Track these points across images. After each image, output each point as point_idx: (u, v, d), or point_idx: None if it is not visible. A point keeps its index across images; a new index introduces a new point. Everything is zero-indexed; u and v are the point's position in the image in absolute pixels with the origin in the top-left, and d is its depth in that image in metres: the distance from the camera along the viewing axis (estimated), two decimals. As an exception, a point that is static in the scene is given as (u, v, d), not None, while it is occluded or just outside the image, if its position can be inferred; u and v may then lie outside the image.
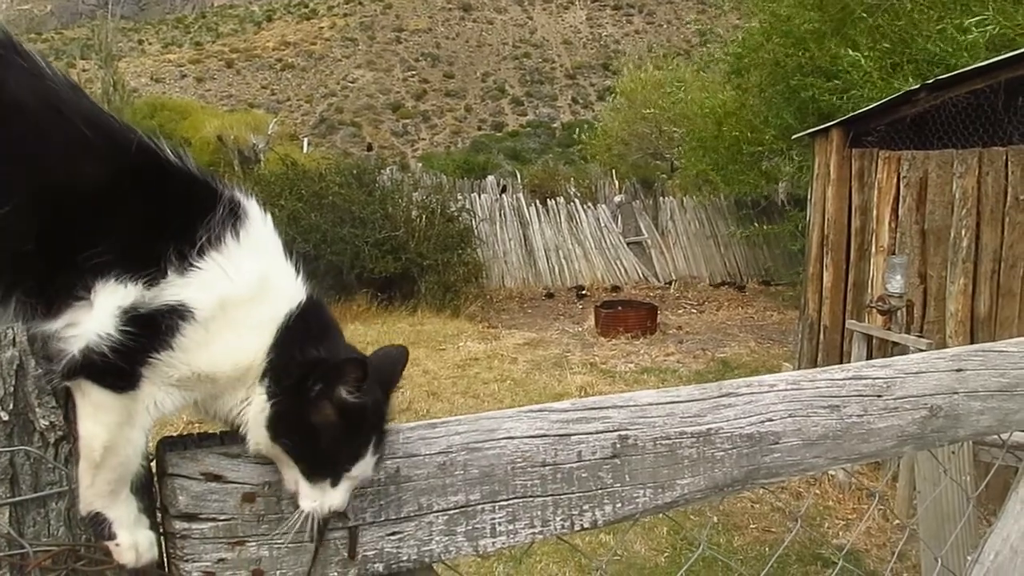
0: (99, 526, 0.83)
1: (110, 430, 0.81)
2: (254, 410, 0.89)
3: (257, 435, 0.89)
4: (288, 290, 0.94)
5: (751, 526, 4.83)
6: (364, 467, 0.91)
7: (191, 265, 0.85)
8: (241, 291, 0.88)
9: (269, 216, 0.95)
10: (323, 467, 0.89)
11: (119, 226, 0.83)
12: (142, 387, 0.83)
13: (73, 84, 0.87)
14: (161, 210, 0.86)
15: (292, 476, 0.89)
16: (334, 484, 0.89)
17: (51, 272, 0.80)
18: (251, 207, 0.92)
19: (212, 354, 0.86)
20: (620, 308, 11.27)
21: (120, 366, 0.80)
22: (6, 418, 0.79)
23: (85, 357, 0.80)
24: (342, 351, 0.94)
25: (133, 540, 0.84)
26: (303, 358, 0.90)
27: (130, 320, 0.81)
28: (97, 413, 0.82)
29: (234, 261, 0.88)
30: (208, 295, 0.85)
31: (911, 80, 7.89)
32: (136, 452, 0.84)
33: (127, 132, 0.88)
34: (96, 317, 0.80)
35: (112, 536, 0.83)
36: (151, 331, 0.82)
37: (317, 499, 0.89)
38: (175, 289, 0.83)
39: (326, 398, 0.88)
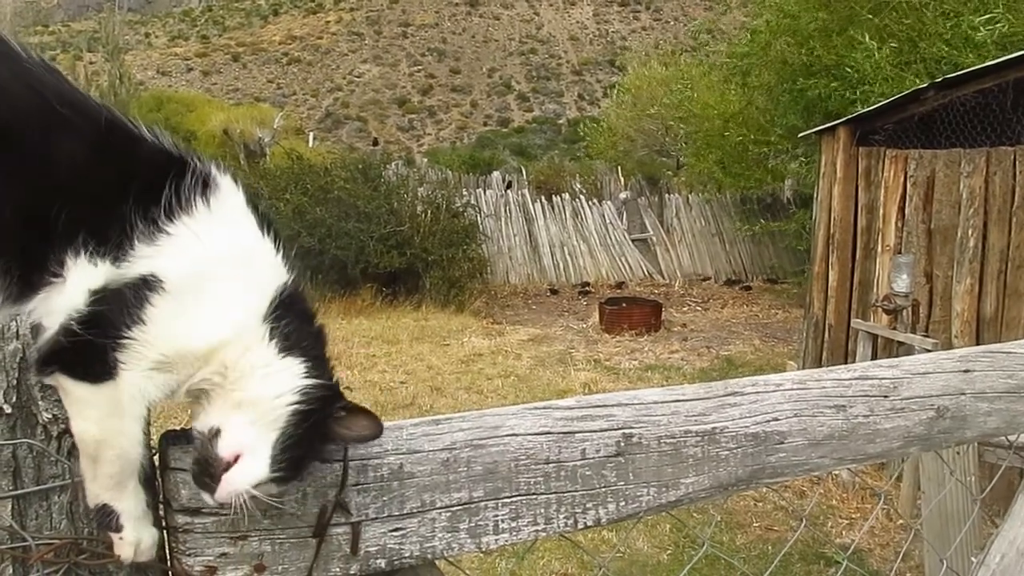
0: (106, 518, 0.82)
1: (98, 424, 0.79)
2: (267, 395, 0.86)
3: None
4: (269, 264, 0.90)
5: (754, 524, 4.83)
6: None
7: (159, 230, 0.82)
8: (213, 256, 0.85)
9: (242, 192, 0.92)
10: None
11: (90, 199, 0.81)
12: (121, 374, 0.79)
13: (49, 66, 0.86)
14: (130, 179, 0.84)
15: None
16: None
17: (26, 249, 0.79)
18: (224, 180, 0.90)
19: (187, 327, 0.82)
20: (624, 305, 11.25)
21: (93, 353, 0.78)
22: (9, 411, 0.79)
23: (56, 344, 0.78)
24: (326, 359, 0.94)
25: (137, 536, 0.83)
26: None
27: (99, 300, 0.79)
28: (81, 409, 0.80)
29: (204, 226, 0.85)
30: (177, 263, 0.82)
31: (920, 79, 7.86)
32: (133, 442, 0.81)
33: (98, 109, 0.86)
34: (67, 298, 0.78)
35: (119, 528, 0.82)
36: (120, 307, 0.79)
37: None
38: (144, 260, 0.81)
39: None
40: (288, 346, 0.88)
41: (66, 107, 0.82)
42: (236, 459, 0.83)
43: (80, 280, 0.78)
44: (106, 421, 0.80)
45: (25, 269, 0.78)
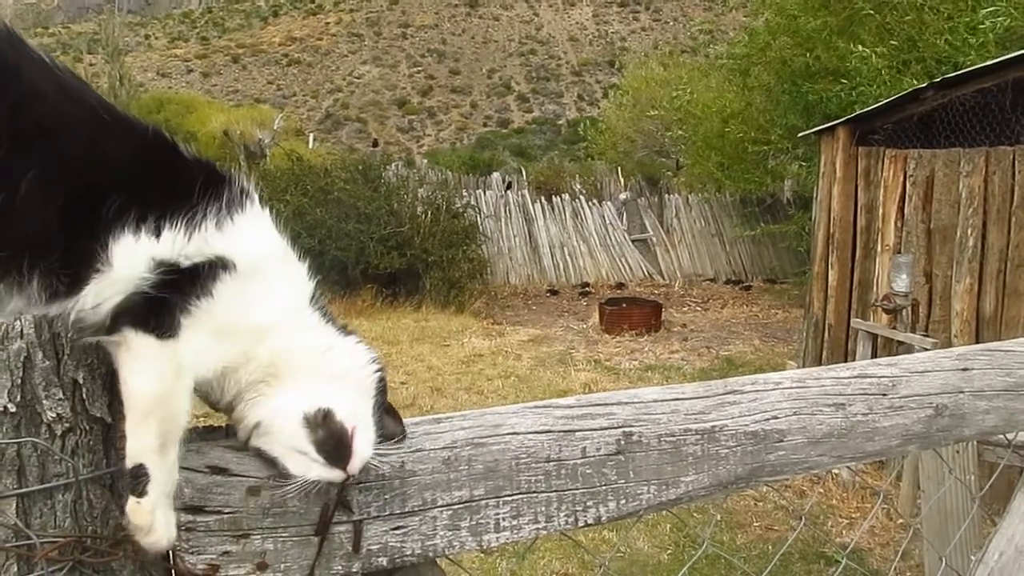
0: (136, 480, 0.81)
1: (159, 379, 0.83)
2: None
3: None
4: (300, 264, 1.00)
5: (754, 524, 4.83)
6: None
7: (228, 220, 0.90)
8: (268, 249, 0.95)
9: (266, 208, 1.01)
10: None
11: (139, 194, 0.87)
12: (183, 336, 0.84)
13: (78, 77, 0.92)
14: (178, 182, 0.91)
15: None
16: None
17: (73, 245, 0.83)
18: (253, 192, 0.98)
19: (246, 306, 0.90)
20: (624, 305, 11.26)
21: (166, 309, 0.84)
22: (13, 409, 0.80)
23: (130, 301, 0.83)
24: None
25: (154, 508, 0.82)
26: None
27: (166, 270, 0.85)
28: (144, 364, 0.83)
29: (256, 223, 0.95)
30: (245, 249, 0.90)
31: (919, 79, 7.86)
32: (184, 406, 0.85)
33: (138, 119, 0.94)
34: (129, 264, 0.84)
35: (143, 493, 0.81)
36: (193, 278, 0.86)
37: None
38: (215, 244, 0.88)
39: None
40: (342, 326, 0.99)
41: (110, 114, 0.90)
42: (354, 431, 0.89)
43: (139, 250, 0.84)
44: (166, 379, 0.83)
45: (74, 262, 0.83)
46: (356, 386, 0.95)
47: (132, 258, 0.84)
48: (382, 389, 0.97)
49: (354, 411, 0.91)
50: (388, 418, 0.98)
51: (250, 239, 0.93)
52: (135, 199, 0.86)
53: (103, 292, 0.83)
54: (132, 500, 0.82)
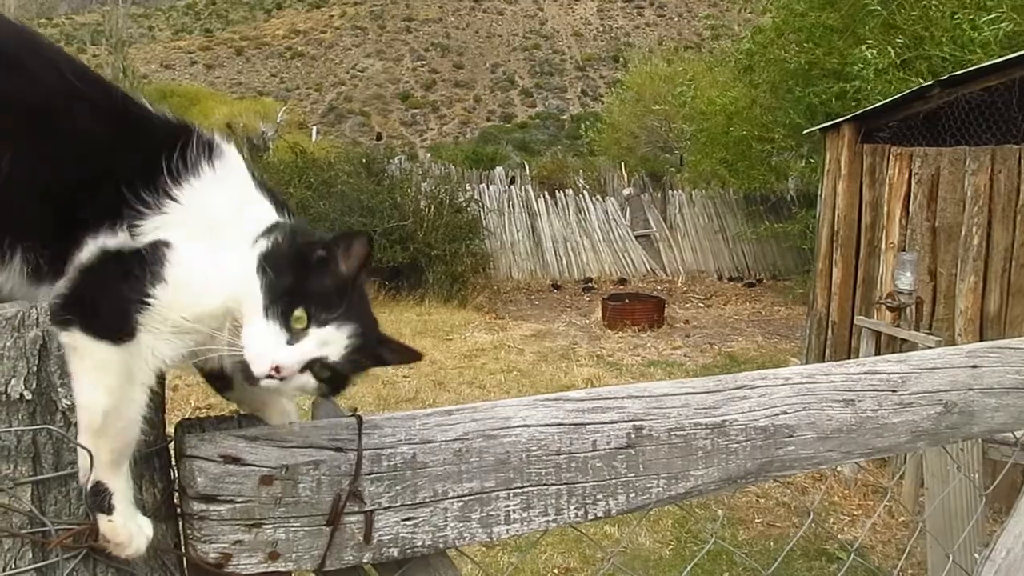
0: (99, 497, 0.81)
1: (112, 392, 0.80)
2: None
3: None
4: (262, 215, 0.93)
5: (756, 520, 4.84)
6: (327, 334, 0.88)
7: (169, 197, 0.86)
8: (217, 219, 0.89)
9: (243, 156, 0.97)
10: (290, 307, 0.87)
11: (107, 171, 0.85)
12: (140, 336, 0.80)
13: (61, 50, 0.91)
14: (141, 149, 0.88)
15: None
16: (291, 341, 0.87)
17: (53, 230, 0.82)
18: (226, 145, 0.94)
19: (200, 288, 0.85)
20: (627, 301, 11.25)
21: (118, 310, 0.80)
22: (29, 397, 0.80)
23: (75, 298, 0.80)
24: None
25: (126, 520, 0.82)
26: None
27: (117, 259, 0.82)
28: (97, 374, 0.80)
29: (211, 188, 0.89)
30: (189, 227, 0.86)
31: (923, 78, 7.85)
32: (138, 414, 0.82)
33: (111, 85, 0.91)
34: (84, 257, 0.81)
35: (110, 509, 0.81)
36: (140, 269, 0.82)
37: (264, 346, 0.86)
38: (156, 226, 0.84)
39: (315, 258, 0.90)
40: None
41: (84, 84, 0.87)
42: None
43: (95, 244, 0.82)
44: (119, 389, 0.80)
45: (55, 247, 0.82)
46: None
47: (91, 246, 0.82)
48: None
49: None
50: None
51: (196, 212, 0.88)
52: (105, 180, 0.84)
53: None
54: (103, 518, 0.81)
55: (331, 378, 0.89)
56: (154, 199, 0.85)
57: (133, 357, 0.80)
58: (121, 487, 0.82)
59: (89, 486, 0.80)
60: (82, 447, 0.79)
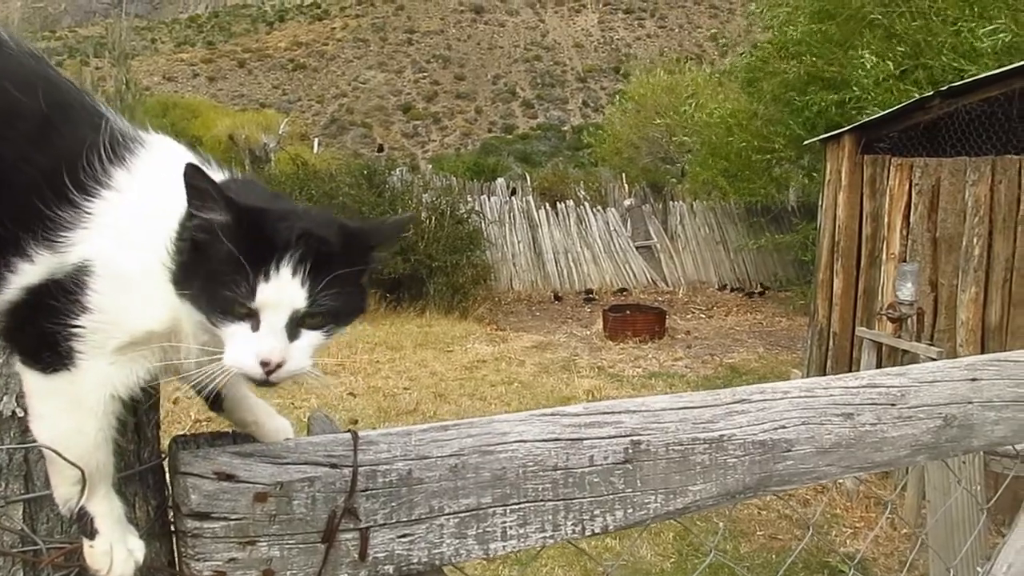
0: (81, 521, 0.79)
1: (52, 424, 0.76)
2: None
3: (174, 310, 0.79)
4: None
5: (758, 533, 4.81)
6: (276, 293, 0.77)
7: (83, 212, 0.77)
8: (138, 225, 0.79)
9: (168, 138, 0.88)
10: (220, 303, 0.77)
11: (25, 190, 0.77)
12: (80, 364, 0.75)
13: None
14: (49, 159, 0.78)
15: (215, 338, 0.79)
16: (254, 327, 0.78)
17: None
18: (144, 134, 0.86)
19: (138, 306, 0.77)
20: (628, 312, 11.24)
21: (44, 340, 0.75)
22: (21, 415, 0.79)
23: (7, 330, 0.77)
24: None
25: (111, 546, 0.80)
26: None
27: (37, 293, 0.76)
28: (36, 404, 0.77)
29: (126, 195, 0.80)
30: (105, 244, 0.77)
31: (923, 88, 7.86)
32: (94, 445, 0.77)
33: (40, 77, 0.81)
34: (6, 295, 0.76)
35: (92, 534, 0.79)
36: (62, 296, 0.75)
37: (236, 349, 0.78)
38: (73, 247, 0.76)
39: (196, 225, 0.77)
40: None
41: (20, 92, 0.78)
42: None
43: (18, 280, 0.76)
44: (61, 419, 0.76)
45: None
46: None
47: (11, 282, 0.76)
48: None
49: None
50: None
51: (110, 226, 0.78)
52: (16, 203, 0.76)
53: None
54: (86, 544, 0.80)
55: (328, 315, 0.82)
56: (70, 213, 0.77)
57: (75, 386, 0.76)
58: (103, 510, 0.80)
59: (71, 513, 0.79)
60: (51, 479, 0.78)
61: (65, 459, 0.77)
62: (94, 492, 0.79)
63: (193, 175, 0.75)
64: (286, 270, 0.77)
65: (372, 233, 0.85)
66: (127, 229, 0.78)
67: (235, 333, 0.77)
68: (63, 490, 0.78)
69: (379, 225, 0.86)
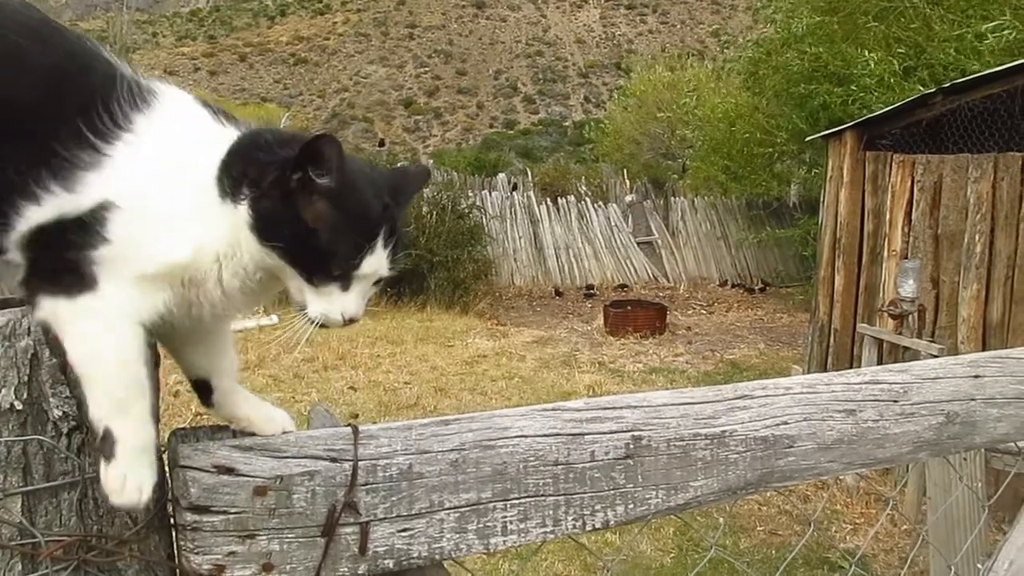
0: (104, 443, 0.79)
1: (83, 341, 0.78)
2: (241, 224, 0.84)
3: (251, 248, 0.84)
4: (216, 142, 0.87)
5: (758, 528, 4.82)
6: (375, 263, 0.88)
7: (102, 154, 0.80)
8: (160, 168, 0.83)
9: (185, 92, 0.91)
10: (324, 267, 0.86)
11: (34, 132, 0.79)
12: (102, 287, 0.78)
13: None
14: (64, 104, 0.81)
15: (296, 284, 0.87)
16: (345, 288, 0.88)
17: None
18: (156, 83, 0.88)
19: (163, 241, 0.81)
20: (629, 308, 11.24)
21: (65, 266, 0.77)
22: (20, 407, 0.79)
23: (29, 273, 0.79)
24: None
25: (125, 472, 0.79)
26: (270, 158, 0.85)
27: (57, 229, 0.78)
28: (66, 328, 0.78)
29: (146, 139, 0.83)
30: (131, 184, 0.80)
31: (925, 85, 7.85)
32: (121, 364, 0.79)
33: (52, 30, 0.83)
34: (24, 231, 0.78)
35: (110, 456, 0.79)
36: (82, 230, 0.78)
37: (326, 305, 0.87)
38: (93, 187, 0.79)
39: (309, 188, 0.83)
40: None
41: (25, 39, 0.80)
42: None
43: (37, 216, 0.78)
44: (87, 339, 0.78)
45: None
46: None
47: (27, 219, 0.78)
48: None
49: None
50: None
51: (132, 168, 0.81)
52: (24, 143, 0.79)
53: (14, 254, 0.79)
54: (103, 464, 0.80)
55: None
56: (89, 155, 0.79)
57: (99, 305, 0.78)
58: (127, 436, 0.80)
59: (99, 436, 0.80)
60: (86, 399, 0.79)
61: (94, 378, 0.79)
62: (124, 414, 0.80)
63: (330, 142, 0.82)
64: (380, 242, 0.88)
65: (413, 192, 0.98)
66: (151, 171, 0.82)
67: (330, 292, 0.87)
68: (93, 410, 0.79)
69: (412, 182, 0.98)
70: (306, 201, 0.83)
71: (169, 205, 0.82)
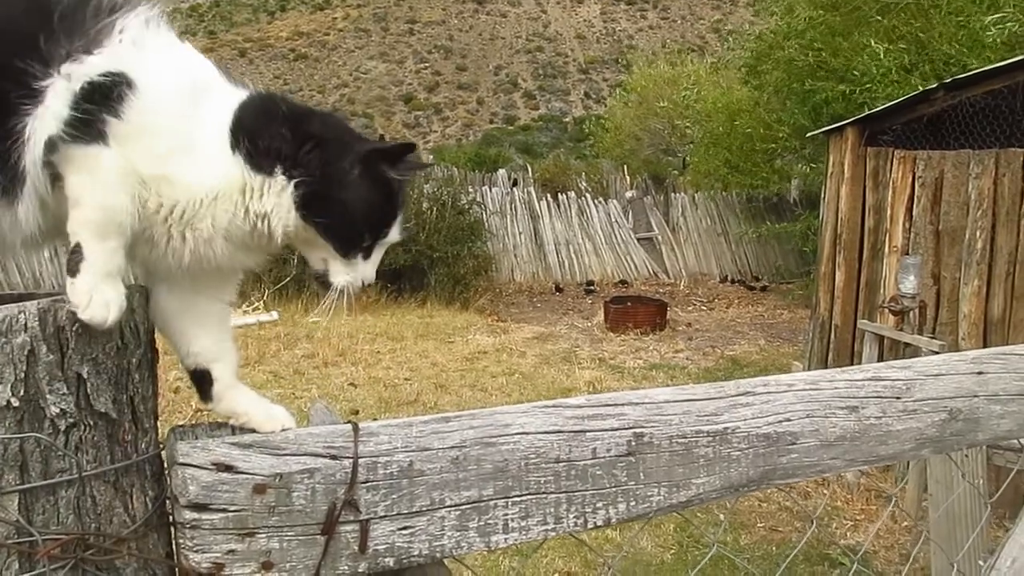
0: (72, 257, 0.84)
1: (84, 171, 0.84)
2: (275, 197, 0.91)
3: (286, 220, 0.91)
4: (220, 86, 0.96)
5: (758, 525, 4.82)
6: (396, 232, 0.98)
7: (125, 40, 0.88)
8: (178, 80, 0.91)
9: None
10: (360, 241, 0.95)
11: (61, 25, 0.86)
12: (112, 147, 0.84)
13: None
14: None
15: (320, 255, 0.96)
16: (366, 256, 0.97)
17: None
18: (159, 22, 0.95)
19: (171, 162, 0.87)
20: (629, 304, 11.24)
21: (83, 119, 0.83)
22: (17, 404, 0.78)
23: (55, 135, 0.84)
24: (339, 128, 0.97)
25: (92, 287, 0.82)
26: (315, 139, 0.92)
27: (83, 90, 0.84)
28: (72, 164, 0.84)
29: (166, 47, 0.93)
30: (152, 72, 0.87)
31: (927, 80, 7.84)
32: (119, 203, 0.85)
33: None
34: (57, 98, 0.84)
35: (75, 272, 0.83)
36: (99, 95, 0.84)
37: (351, 273, 0.96)
38: (113, 58, 0.86)
39: (370, 176, 0.93)
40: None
41: None
42: None
43: (61, 84, 0.85)
44: (92, 171, 0.85)
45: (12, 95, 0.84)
46: None
47: (59, 92, 0.84)
48: None
49: None
50: None
51: (159, 58, 0.90)
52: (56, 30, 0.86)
53: (39, 128, 0.85)
54: (68, 281, 0.83)
55: None
56: (97, 48, 0.86)
57: (107, 159, 0.85)
58: (95, 257, 0.84)
59: (71, 247, 0.84)
60: (70, 218, 0.86)
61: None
62: (98, 239, 0.84)
63: (412, 150, 0.95)
64: (401, 213, 0.98)
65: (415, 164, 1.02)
66: (167, 71, 0.90)
67: (356, 263, 0.96)
68: (72, 225, 0.85)
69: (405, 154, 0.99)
70: (363, 188, 0.93)
71: (181, 124, 0.89)
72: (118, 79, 0.85)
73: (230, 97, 0.94)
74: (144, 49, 0.88)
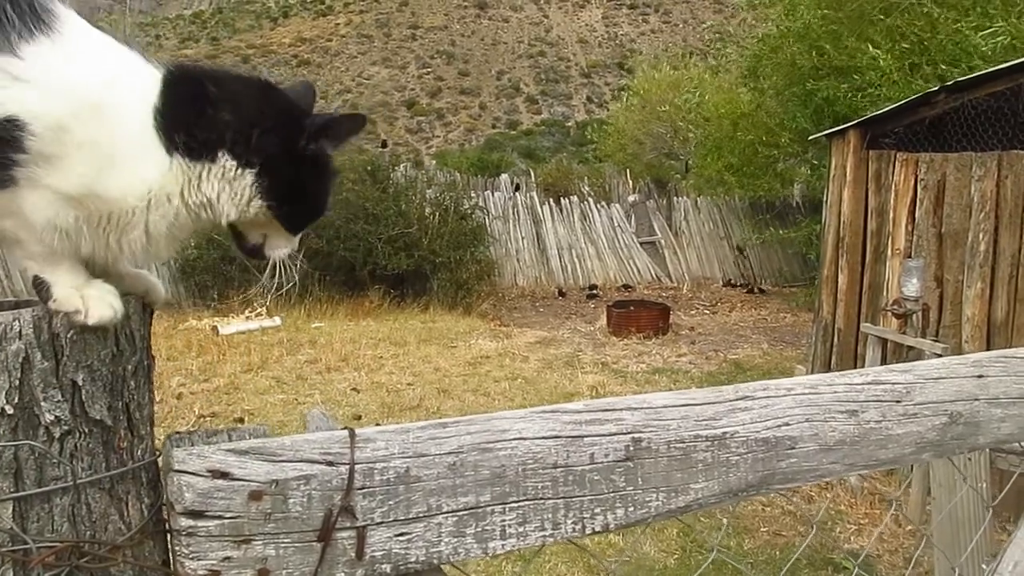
0: (39, 288, 0.85)
1: (19, 221, 0.84)
2: (225, 186, 0.90)
3: (239, 206, 0.91)
4: (141, 74, 0.88)
5: (761, 529, 4.80)
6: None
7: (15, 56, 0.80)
8: (84, 92, 0.83)
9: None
10: (314, 219, 1.00)
11: None
12: (26, 186, 0.82)
13: None
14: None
15: (262, 232, 0.98)
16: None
17: None
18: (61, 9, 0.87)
19: (91, 174, 0.84)
20: (632, 308, 11.23)
21: None
22: (11, 411, 0.78)
23: None
24: (280, 101, 0.96)
25: (69, 292, 0.83)
26: (264, 120, 0.91)
27: None
28: None
29: (59, 58, 0.83)
30: (47, 103, 0.81)
31: (930, 82, 7.83)
32: (55, 235, 0.84)
33: None
34: None
35: (49, 297, 0.84)
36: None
37: (288, 246, 0.99)
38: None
39: (320, 152, 0.95)
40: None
41: None
42: None
43: None
44: (19, 221, 0.84)
45: None
46: None
47: None
48: None
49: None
50: None
51: (52, 82, 0.81)
52: None
53: None
54: (50, 305, 0.83)
55: None
56: None
57: (16, 201, 0.83)
58: (61, 278, 0.85)
59: (33, 281, 0.86)
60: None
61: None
62: (56, 265, 0.86)
63: (363, 123, 0.99)
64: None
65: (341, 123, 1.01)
66: (68, 90, 0.82)
67: (292, 237, 1.00)
68: (29, 264, 0.87)
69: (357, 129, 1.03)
70: (317, 166, 0.95)
71: (93, 137, 0.83)
72: (6, 124, 0.79)
73: (143, 87, 0.87)
74: (20, 80, 0.80)
